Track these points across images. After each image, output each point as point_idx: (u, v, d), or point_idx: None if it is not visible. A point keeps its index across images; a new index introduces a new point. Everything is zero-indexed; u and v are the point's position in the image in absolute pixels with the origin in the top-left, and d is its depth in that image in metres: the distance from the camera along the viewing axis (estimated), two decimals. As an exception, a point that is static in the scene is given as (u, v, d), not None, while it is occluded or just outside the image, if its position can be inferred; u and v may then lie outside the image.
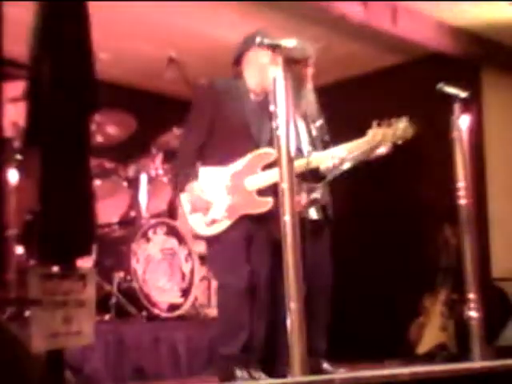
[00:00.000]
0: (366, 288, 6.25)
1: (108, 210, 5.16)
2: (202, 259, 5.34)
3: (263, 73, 3.89)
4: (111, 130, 5.35)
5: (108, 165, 5.25)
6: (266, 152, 3.81)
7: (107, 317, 4.65)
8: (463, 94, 3.76)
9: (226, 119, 3.88)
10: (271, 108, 3.82)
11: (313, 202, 4.01)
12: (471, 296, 3.60)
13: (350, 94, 6.39)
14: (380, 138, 3.82)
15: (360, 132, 3.93)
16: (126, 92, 6.32)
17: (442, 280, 5.59)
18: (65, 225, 2.48)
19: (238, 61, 4.03)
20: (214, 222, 3.84)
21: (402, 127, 3.82)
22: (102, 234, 5.14)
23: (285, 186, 2.94)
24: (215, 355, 4.03)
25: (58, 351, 2.31)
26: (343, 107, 5.89)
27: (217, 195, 3.85)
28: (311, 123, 4.22)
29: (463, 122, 3.74)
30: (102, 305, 4.60)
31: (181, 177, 3.94)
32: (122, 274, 4.88)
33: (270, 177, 3.72)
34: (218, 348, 3.85)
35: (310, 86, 4.21)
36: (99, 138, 5.20)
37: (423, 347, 5.42)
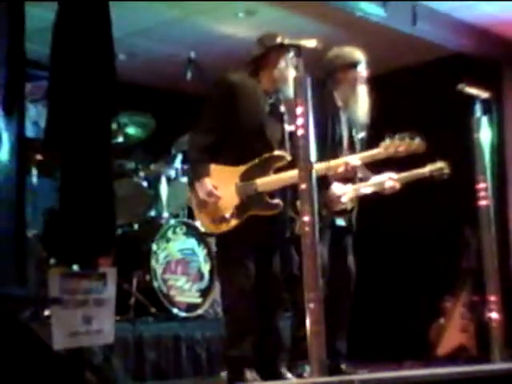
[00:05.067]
0: (386, 289, 6.23)
1: (128, 210, 5.16)
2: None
3: (280, 74, 3.86)
4: (131, 130, 5.37)
5: (128, 165, 5.26)
6: (280, 155, 3.77)
7: (126, 316, 4.66)
8: (484, 95, 3.74)
9: (240, 116, 3.80)
10: (282, 109, 3.84)
11: (342, 212, 4.02)
12: (492, 298, 3.58)
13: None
14: (392, 151, 3.80)
15: (378, 134, 3.92)
16: (146, 93, 6.33)
17: (462, 282, 5.56)
18: (85, 225, 2.50)
19: (256, 60, 3.98)
20: (222, 220, 3.77)
21: (416, 142, 3.80)
22: (121, 234, 5.16)
23: (304, 186, 2.94)
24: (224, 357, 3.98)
25: (78, 350, 2.32)
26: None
27: (227, 193, 3.78)
28: (355, 134, 4.17)
29: (484, 123, 3.73)
30: (121, 304, 4.61)
31: (193, 168, 3.87)
32: (141, 274, 4.89)
33: (282, 180, 3.70)
34: (227, 350, 3.82)
35: (362, 91, 4.14)
36: (119, 139, 5.23)
37: (443, 349, 5.40)
